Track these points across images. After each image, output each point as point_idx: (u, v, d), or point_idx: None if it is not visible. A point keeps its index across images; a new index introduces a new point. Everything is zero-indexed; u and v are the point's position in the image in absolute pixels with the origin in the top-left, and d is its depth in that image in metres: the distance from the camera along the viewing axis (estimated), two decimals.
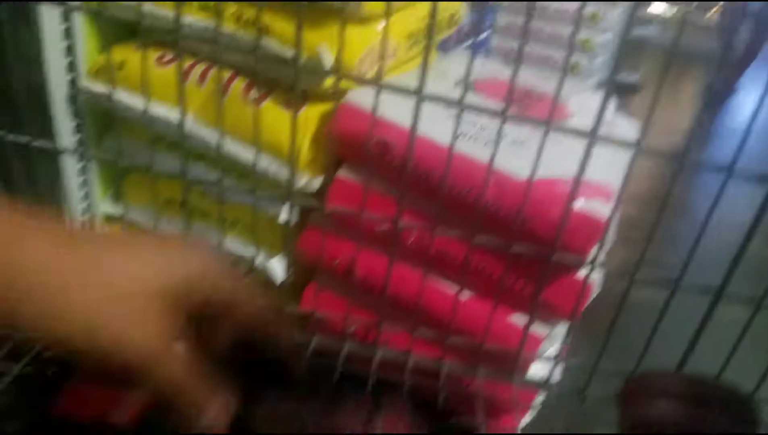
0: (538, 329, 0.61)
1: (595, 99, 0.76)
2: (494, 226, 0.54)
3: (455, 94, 0.40)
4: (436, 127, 0.55)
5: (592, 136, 0.38)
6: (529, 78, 0.73)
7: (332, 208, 0.56)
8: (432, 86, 0.42)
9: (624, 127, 0.71)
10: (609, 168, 0.61)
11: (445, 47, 0.88)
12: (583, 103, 0.73)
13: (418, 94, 0.39)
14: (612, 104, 0.76)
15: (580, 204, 0.55)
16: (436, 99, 0.40)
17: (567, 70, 0.40)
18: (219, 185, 0.53)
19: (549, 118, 0.39)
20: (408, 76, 0.68)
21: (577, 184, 0.44)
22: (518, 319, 0.60)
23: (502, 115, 0.38)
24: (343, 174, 0.60)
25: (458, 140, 0.57)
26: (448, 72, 0.70)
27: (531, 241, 0.53)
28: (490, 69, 0.75)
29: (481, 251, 0.57)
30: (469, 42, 1.09)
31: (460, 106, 0.39)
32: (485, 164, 0.57)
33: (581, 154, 0.54)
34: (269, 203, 0.61)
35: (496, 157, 0.57)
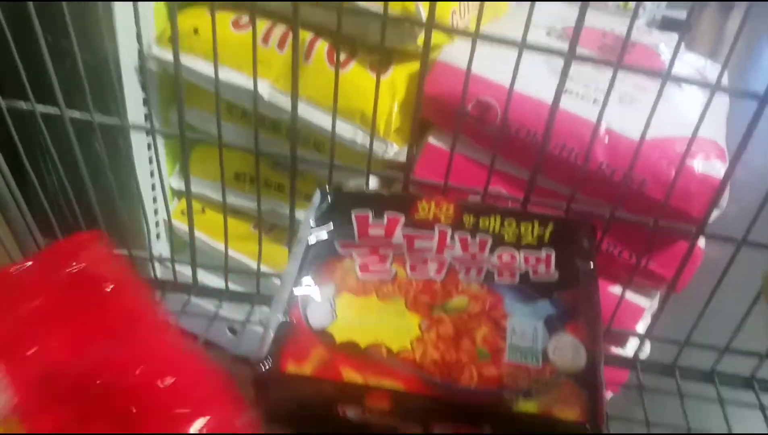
0: (638, 300, 0.58)
1: (672, 43, 0.70)
2: (604, 191, 0.50)
3: (552, 44, 0.35)
4: (538, 84, 0.50)
5: (716, 86, 0.33)
6: (608, 22, 0.67)
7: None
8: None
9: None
10: (715, 125, 0.56)
11: None
12: (668, 49, 0.67)
13: (522, 44, 0.34)
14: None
15: (698, 164, 0.50)
16: (542, 50, 0.35)
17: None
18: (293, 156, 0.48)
19: (668, 69, 0.34)
20: (492, 27, 0.62)
21: (692, 142, 0.38)
22: (615, 290, 0.57)
23: (617, 66, 0.33)
24: (434, 140, 0.56)
25: (564, 97, 0.52)
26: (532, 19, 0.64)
27: (644, 205, 0.49)
28: (571, 14, 0.69)
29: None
30: None
31: (570, 57, 0.34)
32: (594, 123, 0.52)
33: (692, 110, 0.49)
34: (348, 176, 0.58)
35: (606, 115, 0.52)
